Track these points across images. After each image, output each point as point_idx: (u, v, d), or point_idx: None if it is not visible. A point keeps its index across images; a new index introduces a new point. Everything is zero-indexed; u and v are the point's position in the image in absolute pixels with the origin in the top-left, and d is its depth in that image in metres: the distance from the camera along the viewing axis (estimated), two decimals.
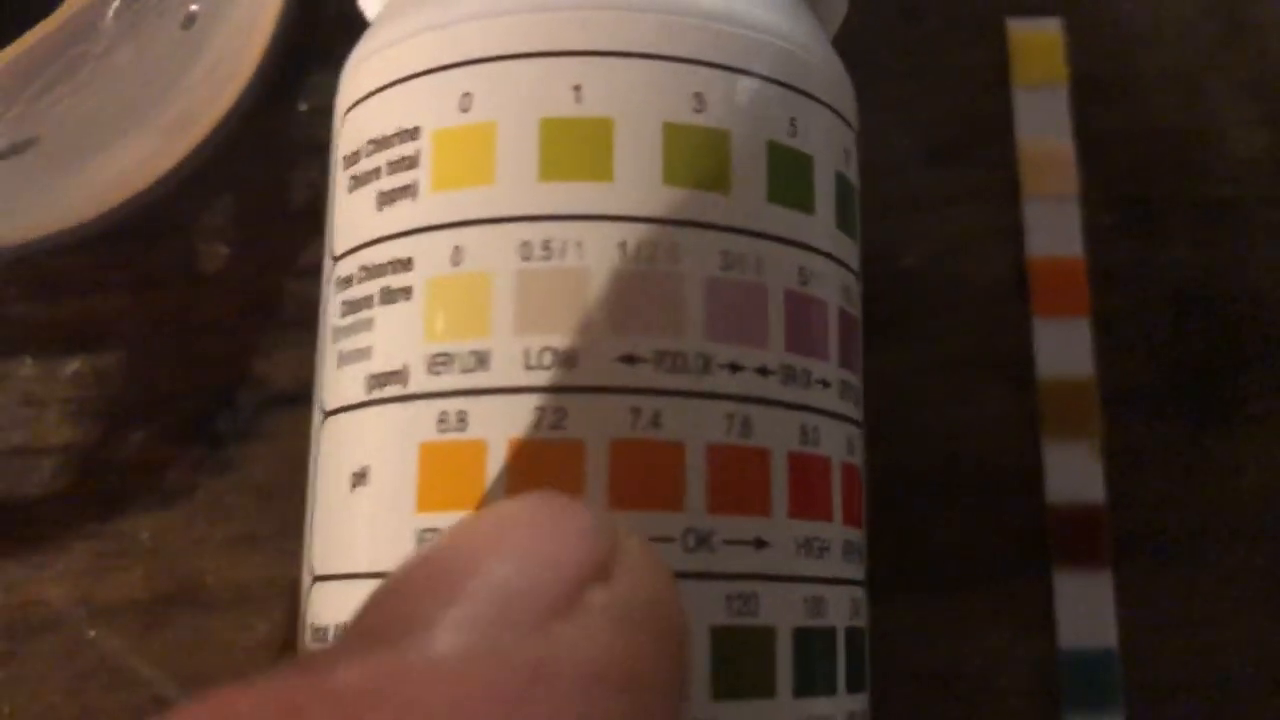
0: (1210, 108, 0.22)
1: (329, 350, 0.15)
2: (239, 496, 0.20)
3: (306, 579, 0.15)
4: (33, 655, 0.19)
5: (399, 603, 0.10)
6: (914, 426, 0.20)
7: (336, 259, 0.15)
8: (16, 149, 0.18)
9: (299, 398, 0.21)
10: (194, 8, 0.18)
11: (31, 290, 0.21)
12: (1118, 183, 0.22)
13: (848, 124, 0.16)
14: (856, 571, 0.15)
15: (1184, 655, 0.20)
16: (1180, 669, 0.20)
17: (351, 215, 0.15)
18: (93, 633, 0.19)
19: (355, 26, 0.19)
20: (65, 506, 0.20)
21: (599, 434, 0.13)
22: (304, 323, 0.22)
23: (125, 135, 0.20)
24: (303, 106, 0.21)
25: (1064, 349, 0.21)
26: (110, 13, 0.16)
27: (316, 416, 0.15)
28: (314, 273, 0.21)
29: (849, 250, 0.15)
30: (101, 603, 0.20)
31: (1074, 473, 0.20)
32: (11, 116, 0.18)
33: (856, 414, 0.15)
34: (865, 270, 0.21)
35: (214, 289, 0.21)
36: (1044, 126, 0.22)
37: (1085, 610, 0.20)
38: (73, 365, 0.21)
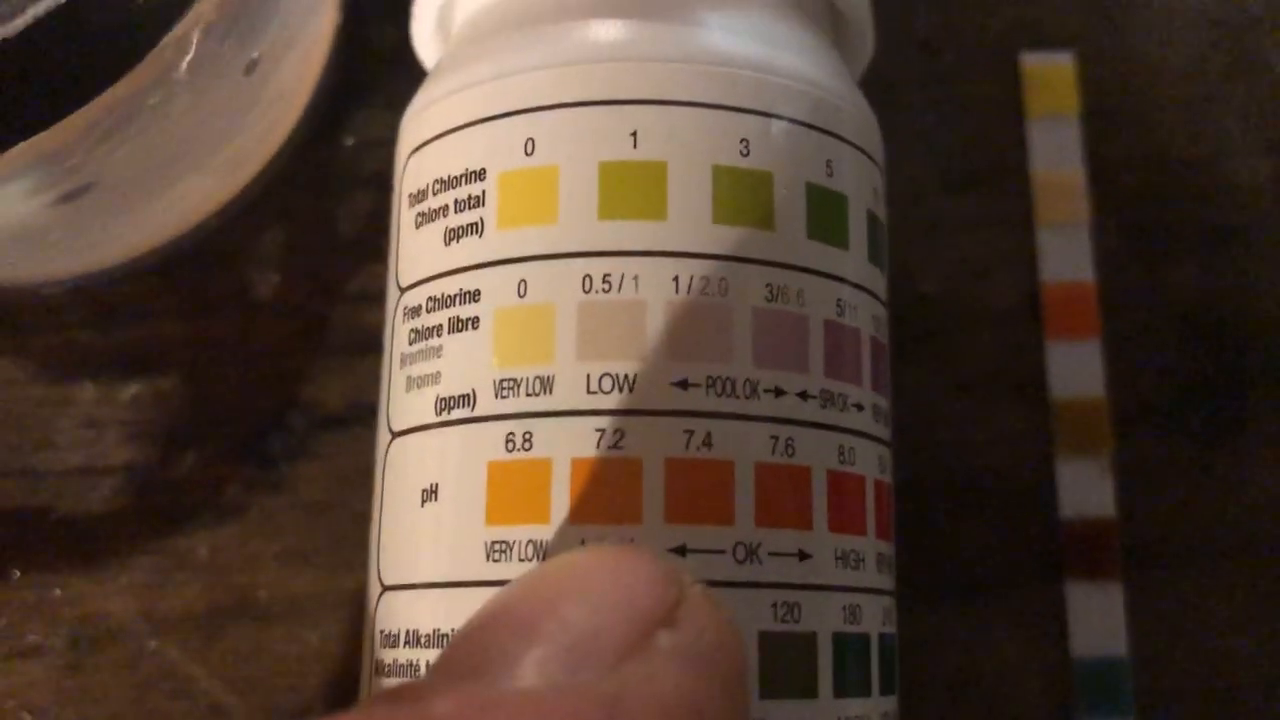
0: (1217, 137, 0.23)
1: (396, 375, 0.16)
2: (290, 514, 0.21)
3: (374, 590, 0.16)
4: (97, 666, 0.20)
5: (482, 642, 0.11)
6: (933, 443, 0.21)
7: (404, 290, 0.16)
8: (71, 196, 0.19)
9: (348, 419, 0.22)
10: (256, 54, 0.18)
11: (91, 318, 0.22)
12: (1128, 210, 0.23)
13: (875, 164, 0.17)
14: (888, 582, 0.16)
15: (1192, 663, 0.21)
16: (1188, 676, 0.21)
17: (418, 249, 0.16)
18: (153, 644, 0.20)
19: (398, 66, 0.20)
20: (125, 524, 0.21)
21: (655, 453, 0.14)
22: (351, 347, 0.23)
23: (181, 178, 0.21)
24: (349, 141, 0.22)
25: (1076, 370, 0.22)
26: (184, 65, 0.17)
27: (383, 437, 0.16)
28: (362, 299, 0.22)
29: (878, 282, 0.16)
30: (161, 615, 0.21)
31: (1085, 488, 0.21)
32: (69, 166, 0.18)
33: (886, 435, 0.16)
34: (888, 295, 0.22)
35: (266, 315, 0.22)
36: (1056, 156, 0.23)
37: (1097, 620, 0.21)
38: (131, 389, 0.22)
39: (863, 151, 0.16)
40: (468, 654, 0.11)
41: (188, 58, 0.17)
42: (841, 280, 0.15)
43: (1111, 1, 0.24)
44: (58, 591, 0.21)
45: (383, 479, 0.16)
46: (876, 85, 0.21)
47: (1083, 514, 0.21)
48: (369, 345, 0.21)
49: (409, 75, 0.19)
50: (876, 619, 0.15)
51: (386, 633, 0.15)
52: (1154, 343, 0.22)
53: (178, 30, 0.16)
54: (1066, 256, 0.22)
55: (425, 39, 0.18)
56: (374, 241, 0.21)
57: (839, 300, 0.15)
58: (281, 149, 0.22)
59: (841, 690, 0.14)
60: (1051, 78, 0.23)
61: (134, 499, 0.21)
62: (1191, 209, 0.23)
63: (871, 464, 0.16)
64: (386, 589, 0.15)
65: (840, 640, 0.14)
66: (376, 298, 0.19)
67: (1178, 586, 0.21)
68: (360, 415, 0.22)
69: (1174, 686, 0.21)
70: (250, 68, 0.18)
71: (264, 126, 0.21)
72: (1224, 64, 0.24)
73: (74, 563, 0.21)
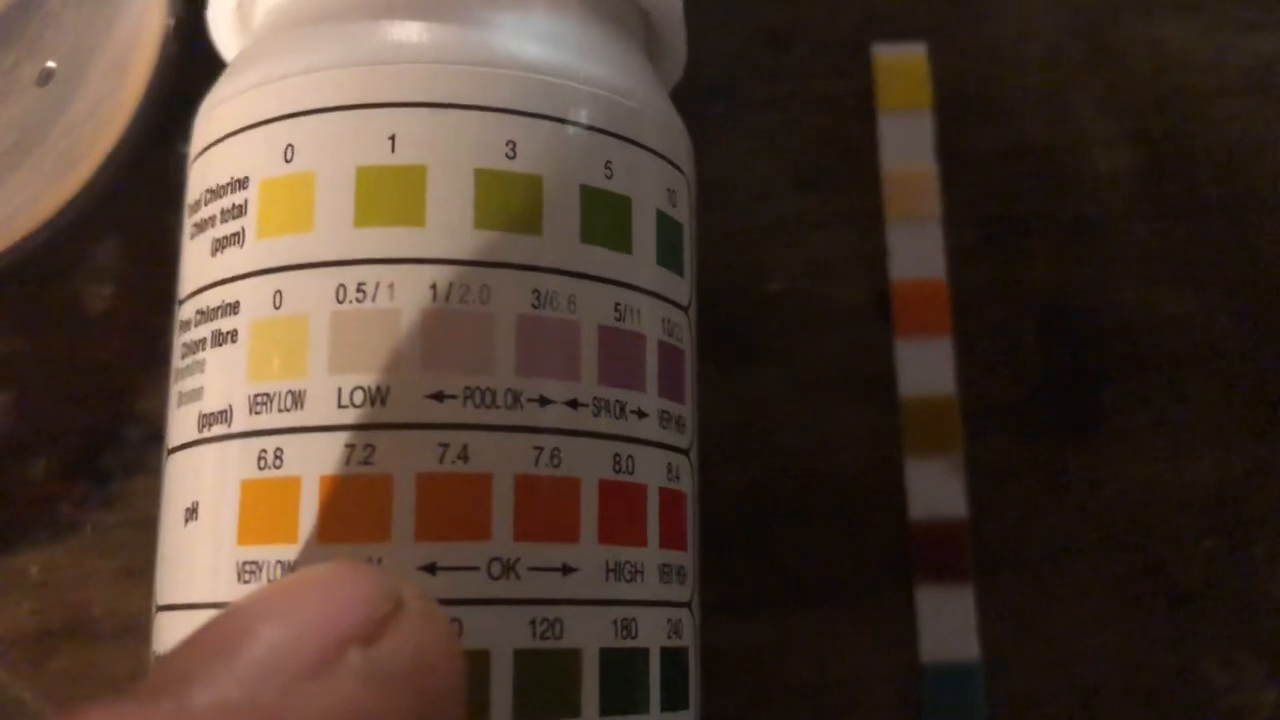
0: (1074, 126, 0.23)
1: (171, 391, 0.16)
2: (125, 530, 0.21)
3: (153, 610, 0.15)
4: None
5: (179, 660, 0.11)
6: (779, 446, 0.21)
7: (180, 302, 0.16)
8: None
9: None
10: (50, 65, 0.18)
11: None
12: (983, 201, 0.22)
13: (674, 165, 0.16)
14: (677, 593, 0.15)
15: (1045, 666, 0.21)
16: (1042, 679, 0.21)
17: (192, 261, 0.15)
18: None
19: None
20: None
21: (407, 469, 0.13)
22: None
23: (3, 181, 0.21)
24: (184, 150, 0.22)
25: (926, 368, 0.21)
26: None
27: (164, 455, 0.16)
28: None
29: (674, 285, 0.16)
30: None
31: (936, 489, 0.21)
32: None
33: (681, 441, 0.16)
34: (732, 293, 0.22)
35: (100, 329, 0.22)
36: (908, 151, 0.22)
37: (947, 624, 0.20)
38: None
39: (654, 153, 0.16)
40: (153, 674, 0.11)
41: None
42: (621, 284, 0.15)
43: None
44: None
45: (161, 498, 0.16)
46: (724, 81, 0.21)
47: (933, 515, 0.21)
48: None
49: None
50: (659, 632, 0.15)
51: (157, 655, 0.15)
52: (1008, 339, 0.22)
53: None
54: (917, 253, 0.22)
55: (224, 33, 0.18)
56: None
57: (618, 305, 0.15)
58: (112, 155, 0.21)
59: (611, 708, 0.14)
60: (904, 70, 0.23)
61: None
62: (1048, 200, 0.23)
63: (656, 472, 0.15)
64: (158, 609, 0.15)
65: (610, 656, 0.14)
66: None
67: (1030, 588, 0.21)
68: None
69: (1027, 690, 0.21)
70: (44, 78, 0.18)
71: (91, 129, 0.21)
72: (1082, 53, 0.23)
73: None
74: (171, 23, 0.21)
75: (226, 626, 0.11)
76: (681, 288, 0.16)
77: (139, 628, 0.20)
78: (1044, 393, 0.22)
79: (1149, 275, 0.22)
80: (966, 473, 0.21)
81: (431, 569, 0.13)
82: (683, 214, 0.16)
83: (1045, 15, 0.23)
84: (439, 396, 0.14)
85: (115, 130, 0.21)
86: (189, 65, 0.22)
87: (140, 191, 0.22)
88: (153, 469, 0.21)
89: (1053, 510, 0.21)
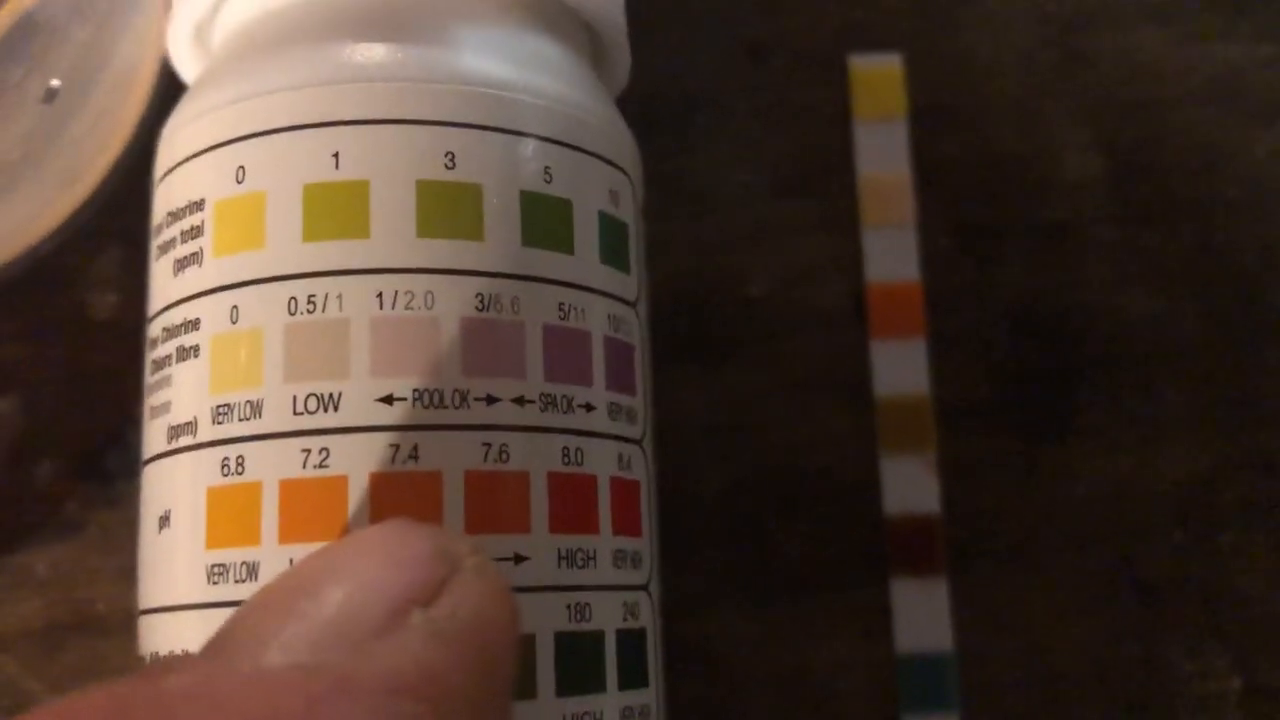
0: (1047, 134, 0.23)
1: (145, 405, 0.16)
2: (128, 529, 0.21)
3: (137, 614, 0.16)
4: None
5: (243, 623, 0.11)
6: (758, 444, 0.22)
7: (149, 321, 0.17)
8: None
9: None
10: (55, 83, 0.19)
11: None
12: (957, 207, 0.23)
13: (616, 167, 0.17)
14: (632, 577, 0.16)
15: (1017, 656, 0.21)
16: (1013, 670, 0.21)
17: (157, 281, 0.16)
18: None
19: None
20: None
21: (361, 469, 0.14)
22: None
23: (10, 193, 0.21)
24: None
25: (900, 368, 0.22)
26: None
27: (140, 467, 0.17)
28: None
29: (619, 282, 0.17)
30: (0, 632, 0.21)
31: (910, 485, 0.21)
32: None
33: (632, 431, 0.16)
34: (713, 297, 0.22)
35: (104, 335, 0.23)
36: (883, 159, 0.23)
37: (922, 616, 0.21)
38: None
39: (595, 156, 0.16)
40: (223, 636, 0.11)
41: None
42: (564, 284, 0.16)
43: (942, 1, 0.24)
44: None
45: (140, 508, 0.16)
46: (703, 92, 0.22)
47: (908, 511, 0.21)
48: None
49: None
50: (614, 615, 0.15)
51: (141, 657, 0.16)
52: (981, 340, 0.22)
53: None
54: (892, 257, 0.22)
55: (183, 58, 0.18)
56: None
57: (561, 304, 0.16)
58: (115, 166, 0.22)
59: (567, 688, 0.15)
60: (879, 80, 0.23)
61: None
62: (1021, 206, 0.23)
63: (607, 462, 0.16)
64: (141, 613, 0.16)
65: (565, 639, 0.15)
66: None
67: (1002, 581, 0.21)
68: None
69: (998, 680, 0.21)
70: (49, 96, 0.19)
71: (94, 142, 0.22)
72: (1054, 61, 0.23)
73: None
74: None
75: (291, 586, 0.11)
76: (628, 284, 0.17)
77: None
78: (1016, 392, 0.22)
79: (1119, 278, 0.22)
80: (940, 469, 0.21)
81: None
82: (627, 213, 0.17)
83: (1018, 26, 0.24)
84: (389, 400, 0.14)
85: (117, 145, 0.22)
86: (183, 84, 0.23)
87: (141, 204, 0.23)
88: None
89: (1024, 505, 0.22)
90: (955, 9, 0.24)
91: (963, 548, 0.21)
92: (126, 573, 0.21)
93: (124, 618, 0.21)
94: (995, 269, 0.22)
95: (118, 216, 0.23)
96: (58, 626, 0.21)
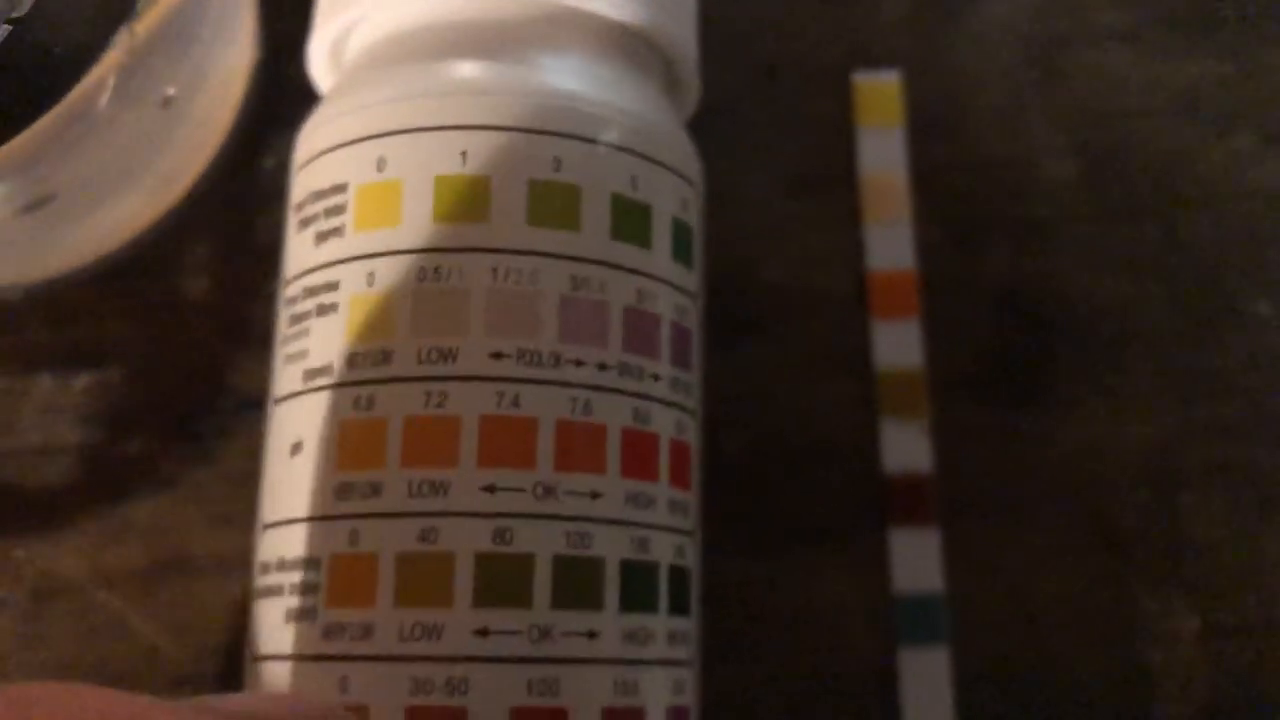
0: (1028, 140, 0.27)
1: (279, 353, 0.19)
2: (217, 484, 0.24)
3: (258, 530, 0.19)
4: (53, 615, 0.24)
5: None
6: (772, 411, 0.25)
7: (287, 283, 0.20)
8: (40, 203, 0.22)
9: (265, 401, 0.26)
10: (171, 92, 0.22)
11: (48, 318, 0.25)
12: (948, 206, 0.26)
13: (686, 180, 0.20)
14: (683, 523, 0.19)
15: (999, 598, 0.24)
16: (996, 609, 0.24)
17: (298, 249, 0.19)
18: (101, 595, 0.24)
19: (305, 97, 0.24)
20: (77, 495, 0.24)
21: (472, 411, 0.17)
22: (268, 340, 0.26)
23: (121, 193, 0.24)
24: (268, 163, 0.26)
25: (898, 345, 0.25)
26: (104, 99, 0.20)
27: (270, 405, 0.19)
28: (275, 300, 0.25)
29: (685, 277, 0.20)
30: (108, 572, 0.24)
31: (906, 447, 0.24)
32: (36, 175, 0.21)
33: (689, 403, 0.19)
34: (733, 283, 0.25)
35: (196, 314, 0.25)
36: (883, 162, 0.26)
37: (916, 561, 0.24)
38: (82, 380, 0.25)
39: (670, 169, 0.20)
40: None
41: (107, 93, 0.20)
42: (642, 274, 0.19)
43: (936, 24, 0.27)
44: (20, 552, 0.24)
45: (267, 439, 0.19)
46: (725, 105, 0.25)
47: (904, 469, 0.24)
48: None
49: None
50: (667, 552, 0.18)
51: (263, 562, 0.18)
52: (969, 322, 0.26)
53: (95, 72, 0.19)
54: (891, 248, 0.26)
55: (320, 70, 0.22)
56: None
57: (639, 290, 0.19)
58: (207, 170, 0.25)
59: (627, 605, 0.18)
60: (879, 94, 0.26)
61: (84, 474, 0.24)
62: (1004, 205, 0.26)
63: (669, 425, 0.19)
64: (265, 527, 0.19)
65: (628, 565, 0.18)
66: None
67: (988, 532, 0.24)
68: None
69: (983, 619, 0.24)
70: (166, 103, 0.22)
71: (189, 150, 0.25)
72: (1034, 76, 0.27)
73: (34, 528, 0.24)
74: (261, 55, 0.25)
75: None
76: (690, 279, 0.20)
77: (230, 566, 0.24)
78: (1000, 366, 0.25)
79: (1092, 267, 0.26)
80: (933, 434, 0.25)
81: (490, 489, 0.17)
82: (692, 219, 0.20)
83: (1002, 46, 0.27)
84: (497, 355, 0.17)
85: (212, 147, 0.25)
86: (267, 99, 0.26)
87: (231, 199, 0.26)
88: (240, 432, 0.25)
89: (1007, 466, 0.25)
90: (947, 31, 0.27)
91: (953, 502, 0.24)
92: (215, 522, 0.24)
93: (214, 561, 0.24)
94: (982, 259, 0.26)
95: (209, 211, 0.26)
96: (157, 567, 0.24)
